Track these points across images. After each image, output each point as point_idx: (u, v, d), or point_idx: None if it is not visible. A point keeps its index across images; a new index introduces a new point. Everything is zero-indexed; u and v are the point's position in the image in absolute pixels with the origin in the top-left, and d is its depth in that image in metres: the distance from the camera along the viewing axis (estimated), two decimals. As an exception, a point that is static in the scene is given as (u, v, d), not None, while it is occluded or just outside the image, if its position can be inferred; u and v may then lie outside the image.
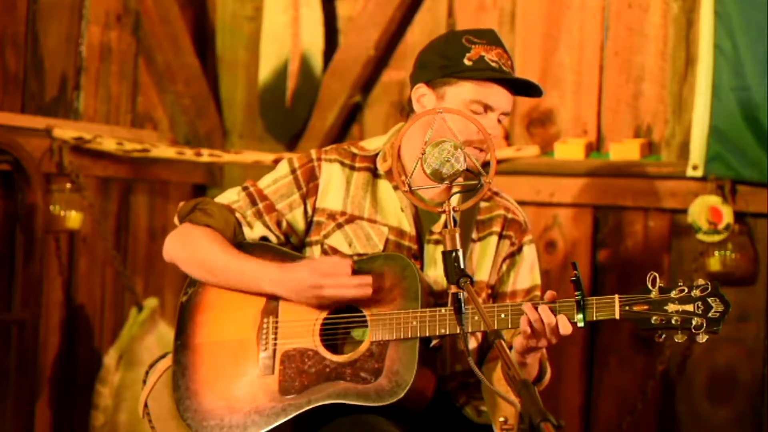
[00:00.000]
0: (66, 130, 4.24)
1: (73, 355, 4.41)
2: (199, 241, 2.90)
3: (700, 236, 3.92)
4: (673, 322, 2.61)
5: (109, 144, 4.35)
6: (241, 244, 2.94)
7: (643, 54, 4.18)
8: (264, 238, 2.96)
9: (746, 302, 3.94)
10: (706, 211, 3.89)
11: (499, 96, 2.85)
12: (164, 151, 4.53)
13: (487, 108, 2.84)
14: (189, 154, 4.56)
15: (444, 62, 2.86)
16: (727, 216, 3.88)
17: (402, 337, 2.73)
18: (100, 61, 4.49)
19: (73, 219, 4.24)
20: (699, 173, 3.94)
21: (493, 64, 2.85)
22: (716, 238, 3.90)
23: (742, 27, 3.85)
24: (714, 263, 3.93)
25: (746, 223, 3.96)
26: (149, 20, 4.60)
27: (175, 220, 3.01)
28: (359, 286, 2.77)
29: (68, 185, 4.23)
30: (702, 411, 4.04)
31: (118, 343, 4.43)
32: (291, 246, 2.97)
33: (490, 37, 2.89)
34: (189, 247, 2.92)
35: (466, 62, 2.84)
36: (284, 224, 2.96)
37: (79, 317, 4.44)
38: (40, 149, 4.19)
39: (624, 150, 4.15)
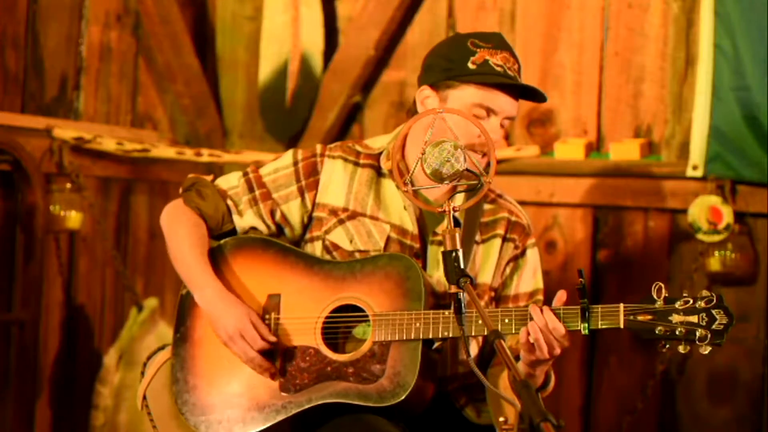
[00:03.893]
0: (66, 130, 4.24)
1: (73, 355, 4.41)
2: (179, 227, 2.94)
3: (700, 236, 3.92)
4: (677, 333, 2.60)
5: (109, 144, 4.35)
6: (245, 239, 2.95)
7: (643, 54, 4.18)
8: (254, 228, 2.97)
9: (746, 302, 3.94)
10: (706, 211, 3.89)
11: (502, 100, 2.83)
12: (164, 151, 4.53)
13: (489, 112, 2.82)
14: (189, 154, 4.56)
15: (448, 65, 2.85)
16: (727, 216, 3.87)
17: (405, 338, 2.73)
18: (100, 61, 4.49)
19: (73, 219, 4.24)
20: (699, 173, 3.94)
21: (498, 69, 2.83)
22: (716, 238, 3.90)
23: (742, 27, 3.85)
24: (714, 263, 3.93)
25: (746, 223, 3.96)
26: (149, 20, 4.60)
27: (180, 189, 3.05)
28: (259, 364, 2.80)
29: (68, 185, 4.24)
30: (702, 411, 4.04)
31: (118, 343, 4.43)
32: (286, 239, 2.99)
33: (496, 41, 2.87)
34: (170, 228, 2.97)
35: (470, 66, 2.83)
36: (278, 214, 2.96)
37: (79, 317, 4.43)
38: (40, 149, 4.19)
39: (624, 150, 4.15)
